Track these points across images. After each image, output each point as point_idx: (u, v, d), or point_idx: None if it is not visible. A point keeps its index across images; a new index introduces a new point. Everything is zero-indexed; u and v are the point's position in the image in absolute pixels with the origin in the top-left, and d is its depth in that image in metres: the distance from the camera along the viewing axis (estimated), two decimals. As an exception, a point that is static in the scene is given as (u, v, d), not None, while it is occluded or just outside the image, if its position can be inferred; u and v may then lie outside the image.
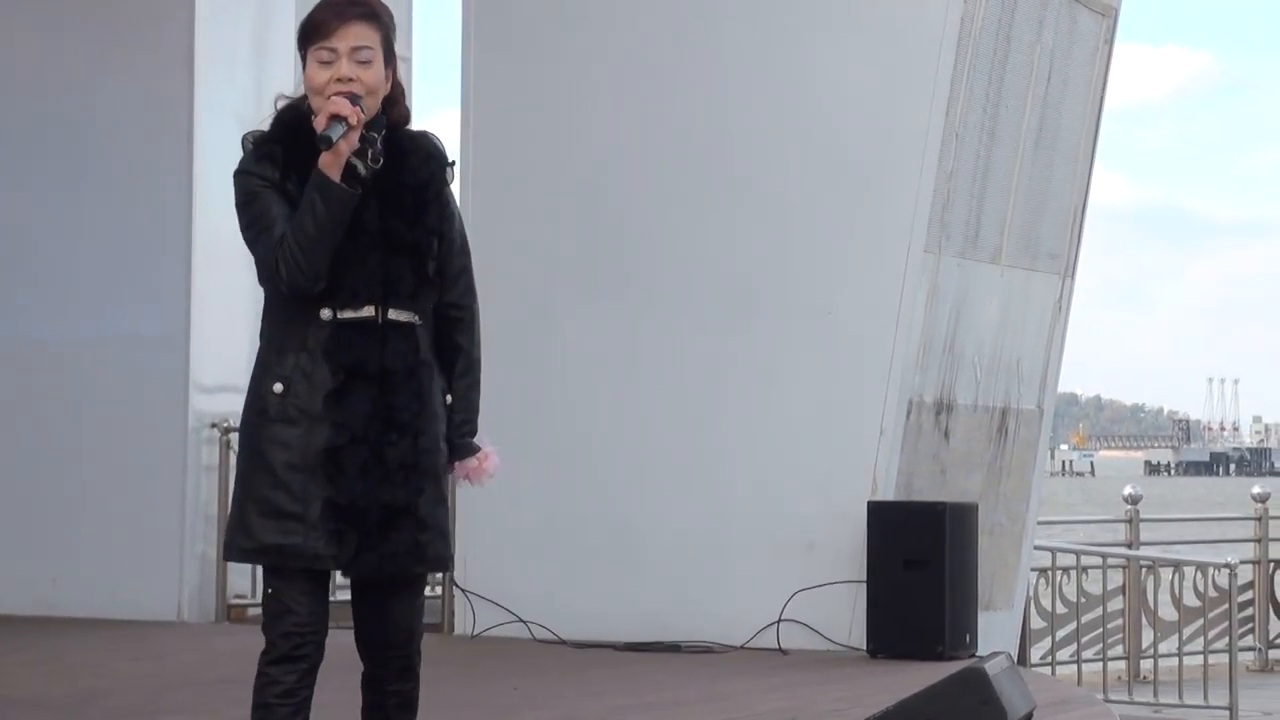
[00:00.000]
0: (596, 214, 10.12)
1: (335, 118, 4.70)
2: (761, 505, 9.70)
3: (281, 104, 4.89)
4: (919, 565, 9.17)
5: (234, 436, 11.17)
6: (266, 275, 4.76)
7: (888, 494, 9.49)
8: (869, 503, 9.37)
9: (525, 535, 10.12)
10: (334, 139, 4.69)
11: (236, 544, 4.76)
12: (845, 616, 9.47)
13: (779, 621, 9.52)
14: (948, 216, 9.67)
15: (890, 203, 9.57)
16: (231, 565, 11.11)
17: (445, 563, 4.82)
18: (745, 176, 9.84)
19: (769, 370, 9.76)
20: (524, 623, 9.96)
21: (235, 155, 4.98)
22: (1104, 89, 10.73)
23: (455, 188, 5.19)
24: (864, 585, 9.33)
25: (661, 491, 9.90)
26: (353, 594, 4.83)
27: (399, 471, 4.73)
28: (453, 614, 10.28)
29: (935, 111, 9.49)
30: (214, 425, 11.27)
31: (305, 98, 4.84)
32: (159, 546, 11.16)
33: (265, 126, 4.91)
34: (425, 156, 4.88)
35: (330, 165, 4.72)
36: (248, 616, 11.19)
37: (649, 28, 10.06)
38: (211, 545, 11.19)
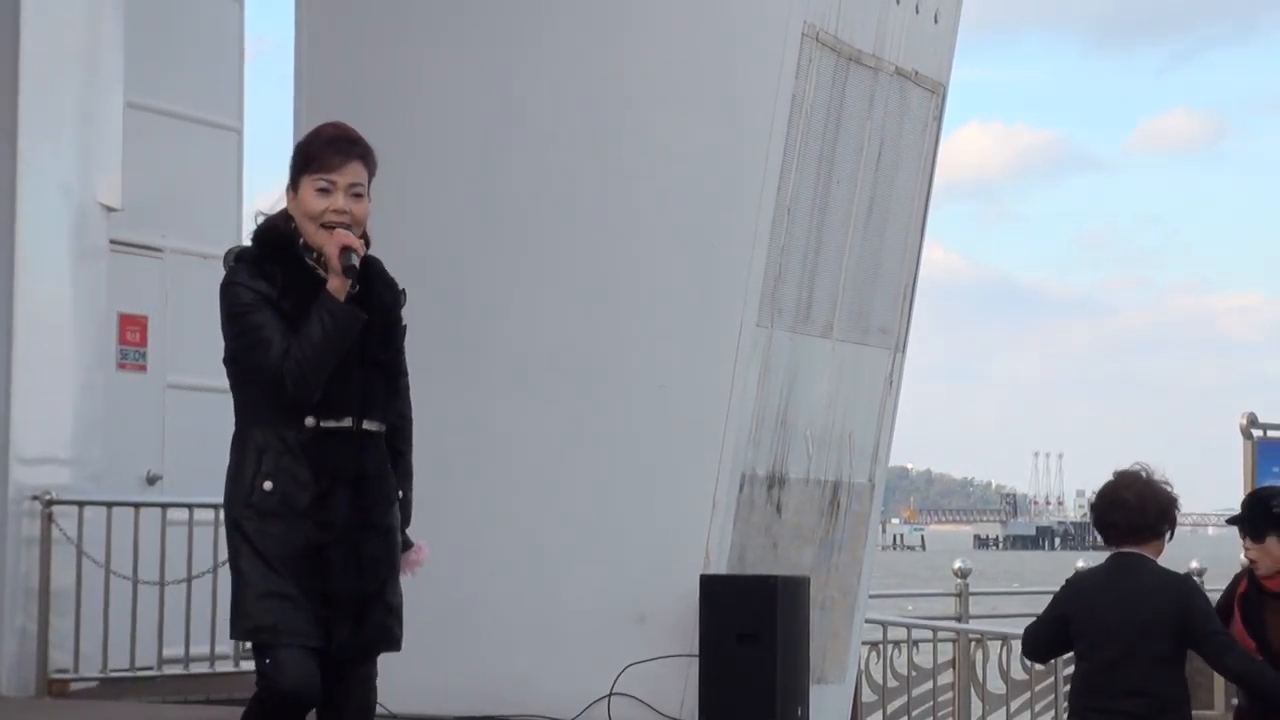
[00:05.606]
0: (432, 288, 10.05)
1: (348, 249, 5.41)
2: (594, 578, 9.65)
3: (260, 219, 5.53)
4: (751, 639, 9.16)
5: (56, 509, 11.00)
6: (268, 383, 5.32)
7: (720, 567, 9.48)
8: (701, 576, 9.36)
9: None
10: (357, 266, 5.38)
11: (235, 624, 5.37)
12: (677, 690, 9.43)
13: (610, 695, 9.47)
14: (779, 291, 9.71)
15: (722, 277, 9.60)
16: (53, 641, 10.96)
17: (400, 642, 5.56)
18: (579, 251, 9.83)
19: (602, 443, 9.73)
20: (353, 698, 9.83)
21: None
22: (934, 164, 10.84)
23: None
24: (696, 659, 9.31)
25: (493, 563, 9.83)
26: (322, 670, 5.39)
27: (371, 565, 5.44)
28: (280, 690, 10.12)
29: (767, 187, 9.54)
30: (35, 498, 11.07)
31: (284, 217, 5.51)
32: (-23, 620, 10.94)
33: (247, 242, 5.54)
34: (385, 284, 5.62)
35: (340, 290, 5.39)
36: (69, 691, 11.00)
37: (483, 102, 10.04)
38: (32, 619, 10.98)
